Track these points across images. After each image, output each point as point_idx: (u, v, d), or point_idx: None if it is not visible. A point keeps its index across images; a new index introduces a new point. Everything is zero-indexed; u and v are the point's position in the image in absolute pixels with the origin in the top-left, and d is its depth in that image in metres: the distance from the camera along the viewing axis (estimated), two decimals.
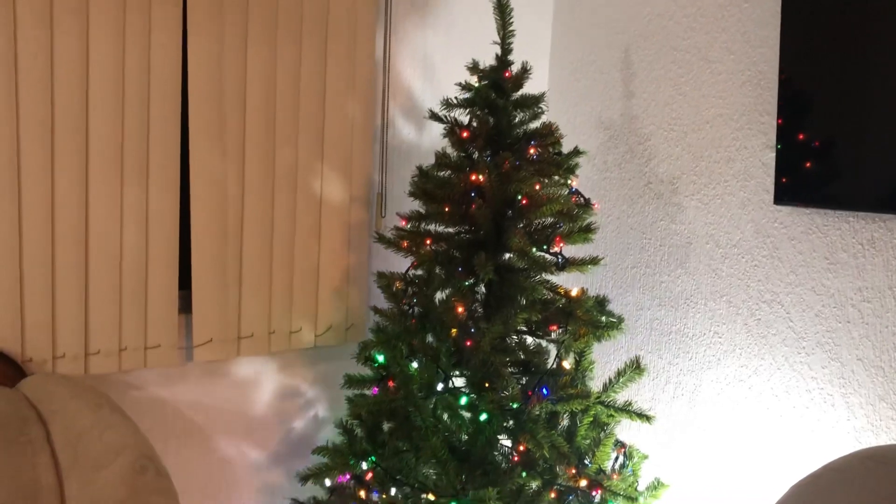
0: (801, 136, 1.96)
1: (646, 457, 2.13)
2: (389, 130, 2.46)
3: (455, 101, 2.02)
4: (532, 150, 1.97)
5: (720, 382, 2.24)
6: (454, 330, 1.96)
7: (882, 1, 1.77)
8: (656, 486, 2.09)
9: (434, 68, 2.53)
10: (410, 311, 2.05)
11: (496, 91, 1.99)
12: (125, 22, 1.96)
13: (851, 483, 1.58)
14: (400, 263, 2.41)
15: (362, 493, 2.00)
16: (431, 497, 1.82)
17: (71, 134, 1.92)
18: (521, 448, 1.81)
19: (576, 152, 2.02)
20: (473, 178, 1.93)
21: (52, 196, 1.92)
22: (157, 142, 2.03)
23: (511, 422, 1.92)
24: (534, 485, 1.86)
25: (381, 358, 2.04)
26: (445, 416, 1.97)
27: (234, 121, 2.15)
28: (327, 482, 2.07)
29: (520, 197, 1.93)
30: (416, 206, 2.10)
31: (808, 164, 1.95)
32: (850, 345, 1.95)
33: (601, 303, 2.10)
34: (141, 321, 2.06)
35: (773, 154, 2.07)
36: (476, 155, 2.03)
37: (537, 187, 1.94)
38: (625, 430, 2.48)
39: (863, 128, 1.84)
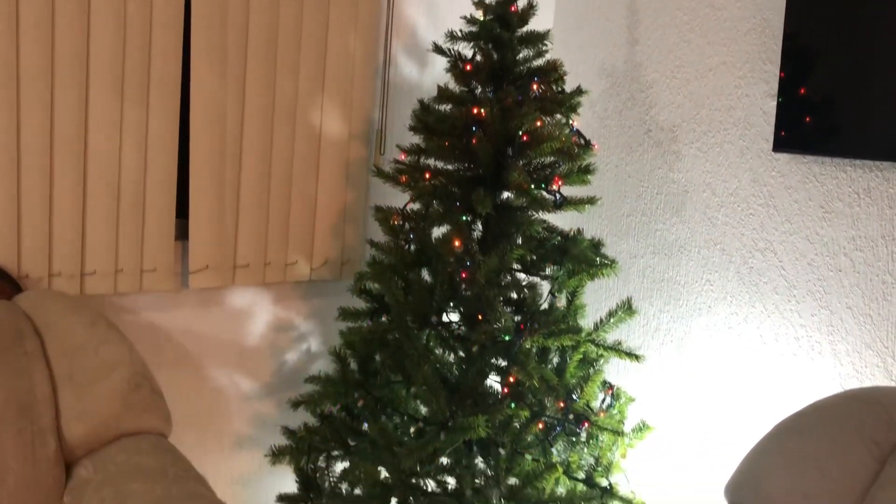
0: (802, 88, 1.97)
1: (633, 399, 2.16)
2: (391, 67, 2.44)
3: (459, 35, 2.01)
4: (535, 87, 1.97)
5: (710, 329, 2.26)
6: (450, 265, 1.97)
7: None
8: (642, 427, 2.12)
9: (438, 6, 2.51)
10: (407, 245, 2.06)
11: (501, 25, 1.98)
12: None
13: (835, 421, 1.61)
14: (398, 202, 2.41)
15: (353, 423, 2.03)
16: (421, 425, 1.84)
17: (71, 54, 1.90)
18: (511, 380, 1.84)
19: (578, 91, 2.02)
20: (475, 111, 1.93)
21: (52, 114, 1.90)
22: (158, 64, 2.02)
23: (502, 356, 1.94)
24: (522, 416, 1.88)
25: (375, 290, 2.05)
26: (437, 349, 1.99)
27: (235, 48, 2.13)
28: (318, 410, 2.10)
29: (521, 133, 1.93)
30: (415, 143, 2.10)
31: (808, 115, 1.96)
32: (841, 293, 1.97)
33: (596, 245, 2.11)
34: (137, 244, 2.06)
35: (774, 103, 2.07)
36: (478, 90, 2.03)
37: (538, 124, 1.93)
38: (613, 374, 2.51)
39: (863, 79, 1.84)
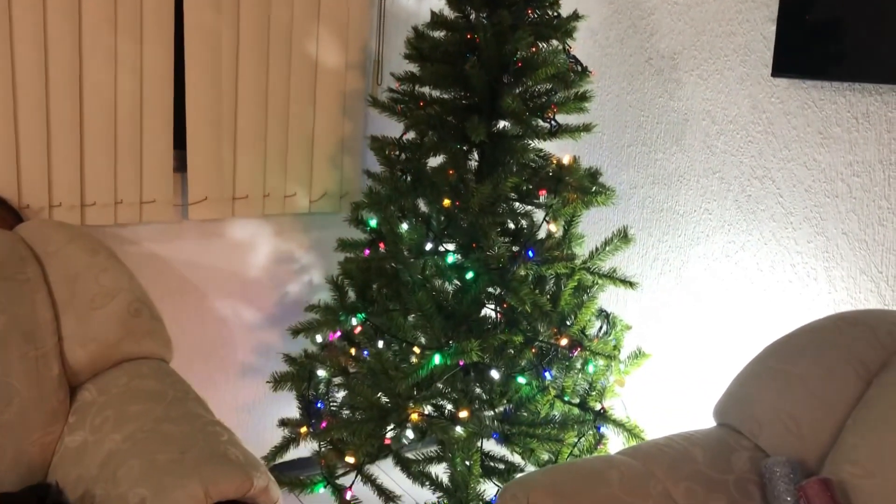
0: (802, 8, 1.92)
1: (629, 327, 2.19)
2: None
3: None
4: (530, 12, 1.94)
5: (707, 258, 2.27)
6: (445, 194, 1.98)
7: None
8: (638, 354, 2.15)
9: None
10: (403, 175, 2.07)
11: None
12: None
13: (822, 342, 1.63)
14: (395, 131, 2.41)
15: (352, 349, 2.07)
16: (417, 350, 1.88)
17: None
18: (505, 306, 1.86)
19: (575, 16, 1.99)
20: (469, 37, 1.91)
21: (45, 48, 1.91)
22: None
23: (497, 284, 1.96)
24: (516, 341, 1.91)
25: (372, 221, 2.07)
26: (434, 277, 2.01)
27: None
28: (318, 338, 2.14)
29: (515, 59, 1.92)
30: (411, 71, 2.08)
31: (807, 36, 1.92)
32: (837, 219, 1.96)
33: (593, 175, 2.10)
34: (136, 176, 2.08)
35: (774, 27, 2.03)
36: (473, 15, 2.00)
37: (533, 50, 1.91)
38: (612, 303, 2.53)
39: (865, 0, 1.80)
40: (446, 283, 2.01)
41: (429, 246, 1.96)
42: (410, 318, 2.00)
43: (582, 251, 2.11)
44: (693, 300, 2.31)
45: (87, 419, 1.62)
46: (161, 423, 1.54)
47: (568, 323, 1.96)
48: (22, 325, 1.66)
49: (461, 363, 1.83)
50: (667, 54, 2.36)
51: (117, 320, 1.75)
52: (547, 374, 1.90)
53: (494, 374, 1.88)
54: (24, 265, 1.73)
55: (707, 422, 2.16)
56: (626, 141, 2.51)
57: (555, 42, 1.98)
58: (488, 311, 2.04)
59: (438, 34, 2.01)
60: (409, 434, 1.86)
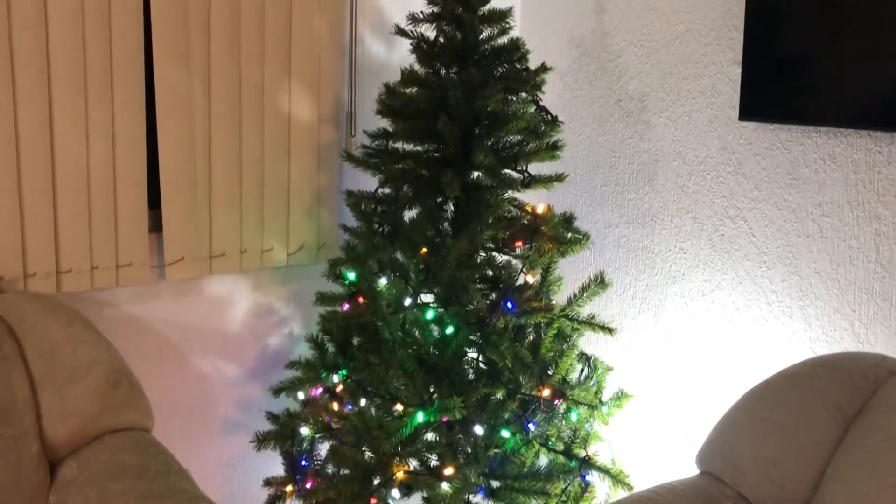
0: (767, 53, 1.96)
1: (610, 369, 2.20)
2: (358, 48, 2.43)
3: (421, 16, 2.00)
4: (499, 66, 1.96)
5: (684, 297, 2.29)
6: (422, 248, 1.99)
7: None
8: (620, 396, 2.16)
9: None
10: (380, 229, 2.08)
11: (462, 5, 1.97)
12: None
13: (799, 388, 1.65)
14: (370, 183, 2.42)
15: (335, 405, 2.07)
16: (400, 407, 1.88)
17: (31, 56, 1.89)
18: (486, 358, 1.87)
19: (543, 69, 2.02)
20: (440, 94, 1.93)
21: (15, 116, 1.90)
22: (121, 60, 2.01)
23: (478, 335, 1.97)
24: (498, 394, 1.92)
25: (350, 275, 2.07)
26: (414, 331, 2.02)
27: (198, 37, 2.12)
28: (300, 395, 2.13)
29: (486, 113, 1.93)
30: (384, 124, 2.10)
31: (772, 81, 1.96)
32: (809, 258, 1.99)
33: (568, 220, 2.12)
34: (111, 240, 2.07)
35: (740, 70, 2.07)
36: (443, 71, 2.02)
37: (503, 104, 1.93)
38: (591, 344, 2.55)
39: (827, 45, 1.84)
40: (426, 336, 2.01)
41: (408, 301, 1.96)
42: (391, 372, 2.01)
43: (560, 293, 2.12)
44: (672, 338, 2.33)
45: (68, 499, 1.60)
46: (144, 500, 1.53)
47: (549, 372, 1.97)
48: None
49: (444, 419, 1.84)
50: (636, 96, 2.39)
51: (96, 393, 1.73)
52: (531, 425, 1.91)
53: (478, 430, 1.88)
54: (0, 341, 1.72)
55: (690, 462, 2.18)
56: (599, 181, 2.53)
57: (524, 94, 2.00)
58: (469, 362, 2.05)
59: (410, 90, 2.02)
60: (395, 493, 1.86)
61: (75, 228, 2.01)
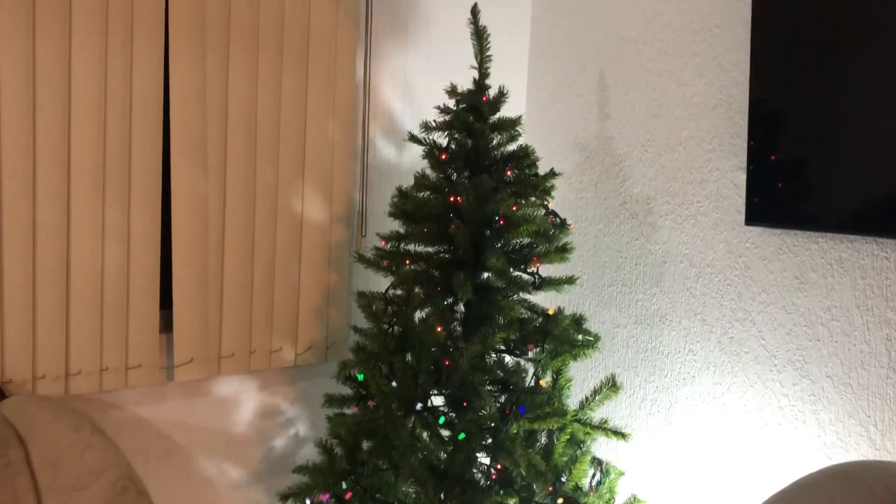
0: (770, 159, 2.01)
1: (622, 473, 2.16)
2: (370, 151, 2.49)
3: (434, 125, 2.06)
4: (509, 172, 2.01)
5: (695, 399, 2.28)
6: (433, 349, 1.98)
7: (850, 26, 1.83)
8: (632, 502, 2.12)
9: (414, 90, 2.57)
10: (390, 330, 2.08)
11: (474, 114, 2.03)
12: (107, 44, 1.98)
13: (819, 499, 1.62)
14: (380, 282, 2.43)
15: None
16: None
17: (52, 157, 1.93)
18: (499, 466, 1.84)
19: (552, 174, 2.06)
20: (452, 199, 1.97)
21: (34, 216, 1.93)
22: (139, 163, 2.06)
23: (489, 440, 1.94)
24: (511, 503, 1.88)
25: (360, 377, 2.06)
26: (424, 435, 1.99)
27: (215, 142, 2.17)
28: (307, 502, 2.08)
29: (497, 217, 1.97)
30: (395, 225, 2.13)
31: (778, 186, 2.01)
32: (820, 362, 1.99)
33: (578, 321, 2.13)
34: (122, 341, 2.07)
35: (745, 176, 2.12)
36: (454, 176, 2.07)
37: (514, 208, 1.97)
38: (602, 447, 2.51)
39: (829, 152, 1.89)
40: (437, 442, 1.99)
41: (419, 406, 1.95)
42: (401, 478, 1.97)
43: (571, 393, 2.11)
44: (683, 441, 2.30)
45: None
46: None
47: (563, 479, 1.94)
48: None
49: None
50: (641, 199, 2.44)
51: (103, 501, 1.70)
52: None
53: None
54: (5, 447, 1.69)
55: None
56: (606, 281, 2.55)
57: (533, 199, 2.05)
58: (481, 468, 2.01)
59: (422, 195, 2.06)
60: None
61: (87, 329, 2.01)
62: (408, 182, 2.10)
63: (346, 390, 2.11)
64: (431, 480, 1.83)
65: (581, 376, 2.61)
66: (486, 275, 2.08)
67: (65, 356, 1.99)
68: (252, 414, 2.37)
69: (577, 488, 1.96)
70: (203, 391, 2.27)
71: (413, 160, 2.56)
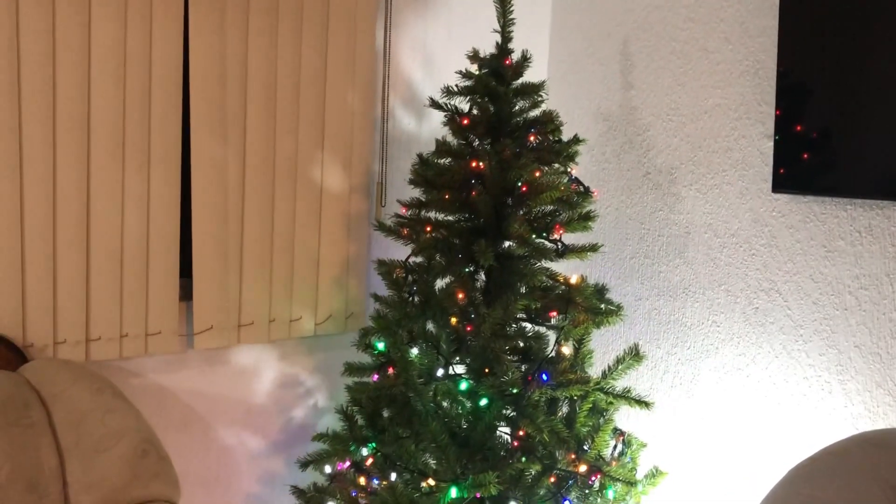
0: (798, 127, 1.98)
1: (644, 445, 2.14)
2: (389, 121, 2.47)
3: (455, 89, 2.04)
4: (532, 138, 1.98)
5: (718, 371, 2.25)
6: (454, 317, 1.97)
7: None
8: (655, 473, 2.10)
9: (434, 58, 2.54)
10: (410, 298, 2.06)
11: (496, 79, 2.00)
12: (127, 12, 1.97)
13: (848, 466, 1.59)
14: (399, 253, 2.41)
15: (362, 480, 2.01)
16: (431, 482, 1.82)
17: (72, 122, 1.92)
18: (521, 433, 1.82)
19: (575, 140, 2.04)
20: (474, 165, 1.94)
21: (54, 184, 1.92)
22: (159, 130, 2.04)
23: (511, 408, 1.93)
24: (533, 470, 1.86)
25: (381, 345, 2.05)
26: (445, 403, 1.98)
27: (234, 110, 2.16)
28: (327, 469, 2.08)
29: (520, 184, 1.94)
30: (416, 195, 2.11)
31: (805, 154, 1.97)
32: (848, 332, 1.96)
33: (600, 291, 2.11)
34: (142, 308, 2.06)
35: (771, 143, 2.08)
36: (476, 142, 2.04)
37: (537, 174, 1.95)
38: (623, 418, 2.49)
39: (860, 117, 1.85)
40: (458, 408, 1.97)
41: (440, 372, 1.93)
42: (422, 445, 1.96)
43: (592, 364, 2.09)
44: (706, 414, 2.27)
45: None
46: None
47: (585, 447, 1.92)
48: (26, 474, 1.61)
49: (478, 495, 1.78)
50: (664, 169, 2.41)
51: (124, 463, 1.70)
52: (567, 502, 1.84)
53: None
54: (28, 409, 1.69)
55: None
56: (629, 253, 2.52)
57: (557, 165, 2.02)
58: (502, 435, 2.00)
59: (443, 161, 2.04)
60: None
61: (107, 296, 2.01)
62: (428, 152, 2.08)
63: (366, 359, 2.10)
64: (452, 447, 1.82)
65: (602, 349, 2.59)
66: (507, 243, 2.06)
67: (85, 322, 1.99)
68: (271, 384, 2.36)
69: (600, 457, 1.94)
70: (223, 360, 2.27)
71: (433, 131, 2.53)
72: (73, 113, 1.92)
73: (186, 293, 2.20)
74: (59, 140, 1.91)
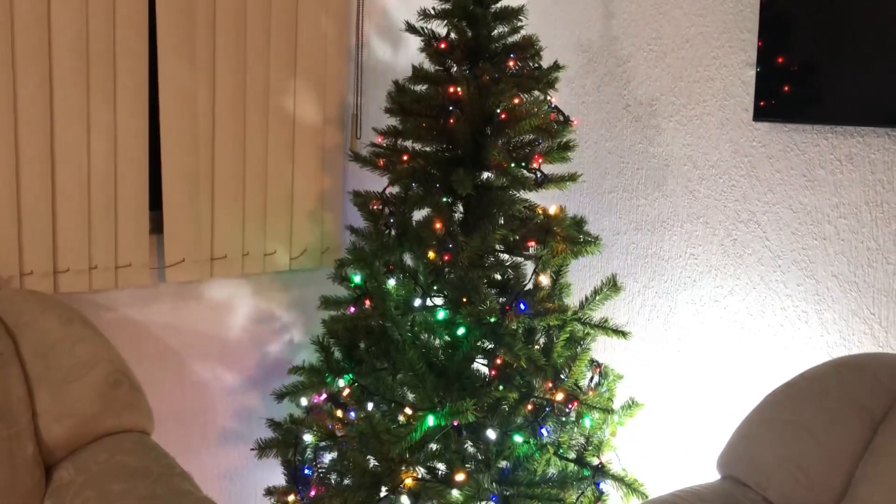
0: (780, 54, 1.94)
1: (621, 376, 2.15)
2: (364, 49, 2.40)
3: (433, 12, 1.97)
4: (511, 64, 1.93)
5: (695, 303, 2.25)
6: (432, 250, 1.94)
7: None
8: (631, 404, 2.11)
9: None
10: (387, 230, 2.03)
11: (474, 2, 1.94)
12: None
13: (824, 390, 1.61)
14: (376, 186, 2.37)
15: (339, 412, 2.00)
16: (409, 411, 1.82)
17: (33, 45, 1.84)
18: (498, 361, 1.81)
19: (556, 67, 1.99)
20: (451, 90, 1.89)
21: (15, 111, 1.85)
22: (124, 53, 1.97)
23: (488, 339, 1.91)
24: (510, 398, 1.86)
25: (357, 277, 2.02)
26: (423, 335, 1.96)
27: (203, 35, 2.08)
28: (303, 401, 2.06)
29: (499, 111, 1.90)
30: (392, 125, 2.06)
31: (787, 80, 1.94)
32: (826, 262, 1.96)
33: (579, 223, 2.09)
34: (111, 240, 2.01)
35: (753, 72, 2.05)
36: (454, 68, 1.99)
37: (516, 101, 1.90)
38: (600, 352, 2.50)
39: (843, 46, 1.82)
40: (436, 339, 1.96)
41: (417, 302, 1.91)
42: (399, 376, 1.95)
43: (570, 298, 2.08)
44: (683, 346, 2.28)
45: (65, 502, 1.53)
46: (147, 501, 1.46)
47: (562, 376, 1.92)
48: None
49: (455, 423, 1.78)
50: (644, 101, 2.37)
51: (95, 393, 1.67)
52: (544, 430, 1.85)
53: (491, 434, 1.82)
54: None
55: (704, 472, 2.12)
56: (607, 187, 2.50)
57: (536, 93, 1.97)
58: (480, 366, 1.99)
59: (420, 88, 1.99)
60: (404, 501, 1.79)
61: (74, 227, 1.95)
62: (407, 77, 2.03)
63: (343, 292, 2.07)
64: (430, 376, 1.80)
65: (579, 285, 2.58)
66: (486, 174, 2.03)
67: (52, 253, 1.94)
68: (246, 319, 2.33)
69: (577, 387, 1.94)
70: (196, 294, 2.23)
71: (410, 59, 2.47)
72: (33, 42, 1.84)
73: (157, 226, 2.15)
74: (18, 70, 1.83)
